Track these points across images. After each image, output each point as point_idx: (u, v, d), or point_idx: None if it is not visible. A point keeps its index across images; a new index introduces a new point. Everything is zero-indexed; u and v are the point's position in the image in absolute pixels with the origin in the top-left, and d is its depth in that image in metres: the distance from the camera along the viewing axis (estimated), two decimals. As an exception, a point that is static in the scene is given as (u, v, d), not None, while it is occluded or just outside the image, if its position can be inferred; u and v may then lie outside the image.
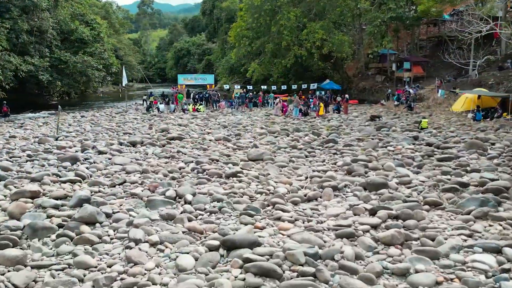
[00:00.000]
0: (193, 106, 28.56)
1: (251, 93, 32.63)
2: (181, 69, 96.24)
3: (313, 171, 11.79)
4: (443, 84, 33.64)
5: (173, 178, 10.73)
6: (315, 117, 25.21)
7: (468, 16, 29.22)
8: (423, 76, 38.19)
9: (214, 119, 24.38)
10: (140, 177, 10.86)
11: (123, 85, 28.83)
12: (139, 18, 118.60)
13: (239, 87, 39.73)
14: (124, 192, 9.58)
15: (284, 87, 41.12)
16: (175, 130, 19.55)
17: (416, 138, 16.07)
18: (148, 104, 29.30)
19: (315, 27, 36.41)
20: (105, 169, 11.59)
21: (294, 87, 39.97)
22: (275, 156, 13.73)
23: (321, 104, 27.19)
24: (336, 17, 38.61)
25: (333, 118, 24.77)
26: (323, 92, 40.06)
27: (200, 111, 28.04)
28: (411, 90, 33.47)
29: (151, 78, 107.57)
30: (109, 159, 12.86)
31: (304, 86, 39.85)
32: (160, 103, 27.82)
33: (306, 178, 11.13)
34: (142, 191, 9.55)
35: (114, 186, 10.06)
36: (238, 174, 10.93)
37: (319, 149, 15.02)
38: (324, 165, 12.64)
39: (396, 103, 28.55)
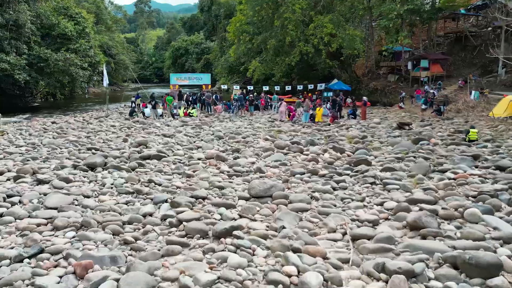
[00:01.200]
0: (185, 110, 24.21)
1: (251, 95, 28.28)
2: (179, 68, 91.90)
3: (352, 220, 7.44)
4: (468, 84, 29.30)
5: (126, 242, 6.36)
6: (329, 124, 20.86)
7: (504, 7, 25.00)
8: (442, 76, 33.80)
9: (208, 126, 20.05)
10: (72, 238, 6.50)
11: (105, 86, 24.36)
12: (136, 17, 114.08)
13: (238, 87, 35.41)
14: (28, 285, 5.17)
15: (287, 88, 36.88)
16: (156, 143, 15.18)
17: (476, 158, 11.71)
18: (132, 107, 24.90)
19: (323, 21, 31.99)
20: (26, 218, 7.23)
21: (300, 87, 35.70)
22: (288, 189, 9.39)
23: (320, 109, 22.74)
24: (346, 9, 34.21)
25: (352, 126, 20.32)
26: (331, 93, 35.76)
27: (192, 115, 23.70)
28: (432, 91, 29.12)
29: (149, 78, 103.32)
30: (42, 197, 8.47)
31: (310, 86, 35.60)
32: (146, 107, 23.49)
33: (344, 235, 6.80)
34: (61, 279, 5.20)
35: (21, 261, 5.72)
36: (235, 233, 6.55)
37: (348, 174, 10.65)
38: (366, 206, 8.27)
39: (423, 106, 24.12)
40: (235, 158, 12.51)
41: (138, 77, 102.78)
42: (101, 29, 54.58)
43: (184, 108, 24.46)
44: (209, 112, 25.01)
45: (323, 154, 13.01)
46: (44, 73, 33.32)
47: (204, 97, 27.45)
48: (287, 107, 23.25)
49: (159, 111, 23.00)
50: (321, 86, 35.57)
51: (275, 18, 33.14)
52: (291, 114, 22.34)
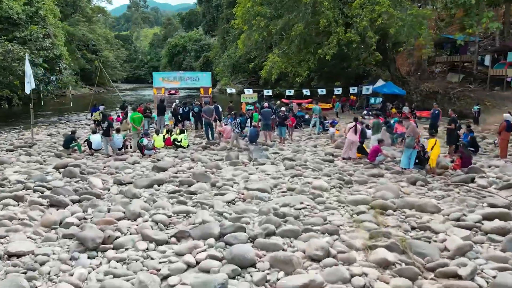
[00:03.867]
0: (167, 135, 13.31)
1: (283, 107, 17.11)
2: (176, 67, 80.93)
3: None
4: None
5: None
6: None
7: None
8: (538, 75, 23.10)
9: (205, 179, 9.19)
10: None
11: (27, 91, 13.37)
12: (131, 13, 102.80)
13: (251, 91, 24.61)
14: None
15: (305, 91, 26.25)
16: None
17: None
18: (70, 135, 13.43)
19: (376, -4, 21.23)
20: None
21: (322, 91, 25.07)
22: None
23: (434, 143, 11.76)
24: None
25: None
26: (379, 99, 25.00)
27: (181, 145, 12.91)
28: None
29: (143, 78, 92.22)
30: None
31: (337, 91, 25.04)
32: (95, 132, 12.28)
33: None
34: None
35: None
36: None
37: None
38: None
39: None
40: None
41: (132, 77, 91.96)
42: (78, 19, 43.71)
43: (167, 132, 13.49)
44: (210, 139, 13.97)
45: None
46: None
47: (196, 108, 16.57)
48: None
49: (118, 139, 11.92)
50: (367, 90, 24.83)
51: (304, -7, 22.36)
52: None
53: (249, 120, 16.29)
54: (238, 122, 12.96)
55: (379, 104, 24.36)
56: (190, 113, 16.89)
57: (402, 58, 33.11)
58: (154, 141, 12.54)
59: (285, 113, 14.19)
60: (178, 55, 79.23)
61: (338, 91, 25.26)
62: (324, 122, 16.29)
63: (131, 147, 12.65)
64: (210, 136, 14.13)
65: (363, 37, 21.93)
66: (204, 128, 14.48)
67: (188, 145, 13.28)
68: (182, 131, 13.45)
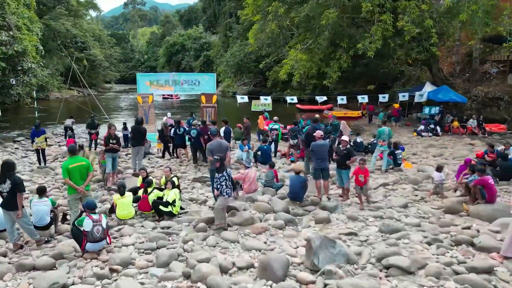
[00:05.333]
0: (143, 190, 7.21)
1: (317, 123, 10.99)
2: (174, 67, 74.78)
3: None
4: None
5: None
6: None
7: None
8: None
9: None
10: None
11: None
12: (127, 10, 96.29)
13: (268, 99, 18.35)
14: None
15: (320, 98, 20.09)
16: None
17: None
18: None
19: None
20: None
21: (342, 99, 19.03)
22: None
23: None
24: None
25: None
26: (437, 108, 18.94)
27: (169, 213, 6.81)
28: None
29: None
30: None
31: (362, 98, 19.03)
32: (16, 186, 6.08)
33: None
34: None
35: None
36: None
37: None
38: None
39: None
40: None
41: (129, 77, 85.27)
42: (61, 12, 37.43)
43: (145, 184, 7.28)
44: (223, 193, 6.78)
45: None
46: None
47: (194, 131, 10.35)
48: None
49: (39, 209, 5.86)
50: (420, 97, 18.73)
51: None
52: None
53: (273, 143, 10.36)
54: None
55: (435, 115, 18.29)
56: (186, 137, 10.80)
57: (447, 54, 27.01)
58: (113, 209, 6.42)
59: (347, 146, 7.97)
60: (177, 54, 73.11)
61: (363, 98, 19.06)
62: (397, 152, 10.14)
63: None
64: (225, 191, 7.82)
65: (423, 27, 15.84)
66: (209, 174, 8.04)
67: (182, 209, 7.12)
68: (174, 184, 7.24)
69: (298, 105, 26.26)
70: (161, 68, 79.89)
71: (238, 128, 14.98)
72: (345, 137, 8.20)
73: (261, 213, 7.02)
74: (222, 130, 11.04)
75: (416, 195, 8.33)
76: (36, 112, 20.05)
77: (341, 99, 18.75)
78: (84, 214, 5.44)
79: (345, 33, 18.56)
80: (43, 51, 26.55)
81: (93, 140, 13.42)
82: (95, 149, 13.17)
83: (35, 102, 19.77)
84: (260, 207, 7.20)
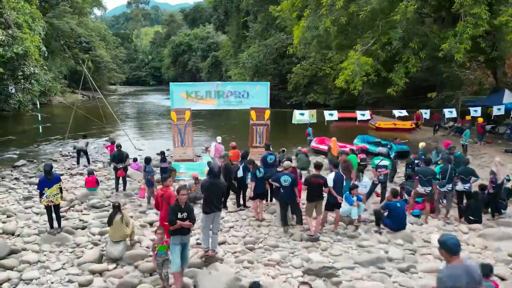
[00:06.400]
0: None
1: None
2: (180, 68, 71.17)
3: None
4: None
5: None
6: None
7: None
8: None
9: None
10: None
11: None
12: (130, 9, 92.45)
13: (306, 113, 14.92)
14: None
15: (362, 112, 16.76)
16: None
17: None
18: None
19: None
20: None
21: (400, 113, 15.73)
22: None
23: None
24: None
25: None
26: None
27: None
28: None
29: (144, 80, 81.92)
30: None
31: (425, 112, 15.76)
32: None
33: None
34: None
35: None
36: None
37: None
38: None
39: None
40: None
41: (132, 78, 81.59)
42: (65, 9, 33.75)
43: None
44: None
45: None
46: None
47: (286, 176, 6.85)
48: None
49: None
50: (499, 110, 15.31)
51: None
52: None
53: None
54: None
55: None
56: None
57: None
58: None
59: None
60: (183, 54, 69.46)
61: (426, 113, 15.55)
62: None
63: None
64: None
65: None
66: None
67: None
68: None
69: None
70: (166, 69, 76.30)
71: (303, 154, 11.45)
72: None
73: None
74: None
75: None
76: (40, 123, 16.55)
77: (400, 112, 15.37)
78: None
79: (415, 32, 15.11)
80: (46, 52, 22.98)
81: (120, 178, 9.60)
82: (124, 189, 9.55)
83: (38, 111, 16.32)
84: None
